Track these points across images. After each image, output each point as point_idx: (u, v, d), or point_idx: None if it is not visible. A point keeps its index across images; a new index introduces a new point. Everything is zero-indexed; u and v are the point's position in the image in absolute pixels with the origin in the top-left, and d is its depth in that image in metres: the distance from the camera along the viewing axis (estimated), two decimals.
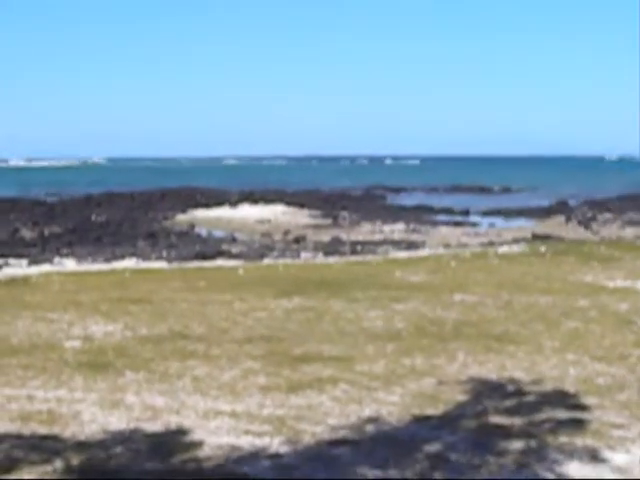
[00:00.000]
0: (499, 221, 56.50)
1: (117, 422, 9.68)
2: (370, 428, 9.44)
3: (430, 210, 63.50)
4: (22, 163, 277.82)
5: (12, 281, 22.53)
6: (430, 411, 10.06)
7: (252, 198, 67.60)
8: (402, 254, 30.77)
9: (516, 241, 36.35)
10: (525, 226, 51.83)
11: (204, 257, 31.55)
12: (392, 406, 10.27)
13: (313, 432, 9.28)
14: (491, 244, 36.15)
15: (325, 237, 44.33)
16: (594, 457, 8.51)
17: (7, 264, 29.82)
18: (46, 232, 44.96)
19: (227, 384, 11.33)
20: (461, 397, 10.65)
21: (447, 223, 54.07)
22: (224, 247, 37.72)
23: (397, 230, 49.12)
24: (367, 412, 10.04)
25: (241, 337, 14.40)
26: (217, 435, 9.20)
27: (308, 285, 20.81)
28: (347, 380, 11.49)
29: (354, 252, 34.93)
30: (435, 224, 53.11)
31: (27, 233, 45.47)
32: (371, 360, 12.65)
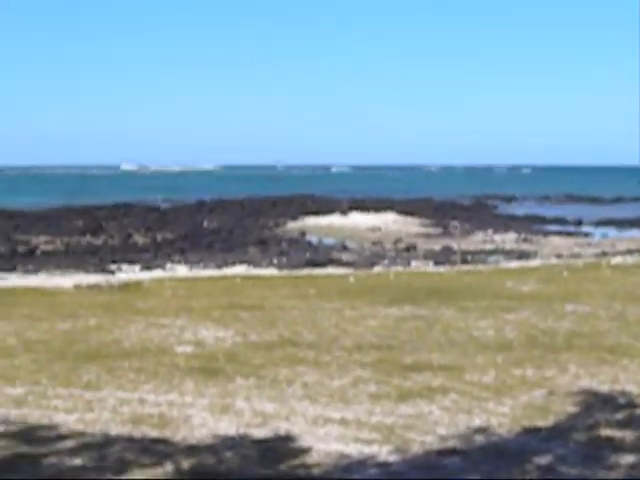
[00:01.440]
0: (612, 231, 55.61)
1: (227, 427, 9.75)
2: (479, 438, 9.35)
3: (542, 220, 62.79)
4: (134, 168, 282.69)
5: (125, 286, 22.92)
6: (540, 423, 9.91)
7: (363, 206, 67.63)
8: (513, 264, 30.45)
9: (630, 252, 35.68)
10: (639, 237, 50.87)
11: (314, 264, 31.66)
12: (502, 417, 10.15)
13: (422, 441, 9.23)
14: (604, 255, 35.56)
15: (436, 246, 44.14)
16: None
17: (120, 269, 30.34)
18: (158, 238, 45.66)
19: (337, 391, 11.34)
20: (572, 409, 10.48)
21: (559, 233, 53.41)
22: (334, 255, 37.81)
23: (508, 240, 48.67)
24: (477, 422, 9.95)
25: (351, 345, 14.41)
26: (326, 442, 9.20)
27: (419, 293, 20.72)
28: (457, 390, 11.41)
29: (465, 261, 34.71)
30: (547, 234, 52.49)
31: (140, 239, 46.24)
32: (481, 370, 12.54)
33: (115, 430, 9.69)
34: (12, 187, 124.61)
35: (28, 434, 9.56)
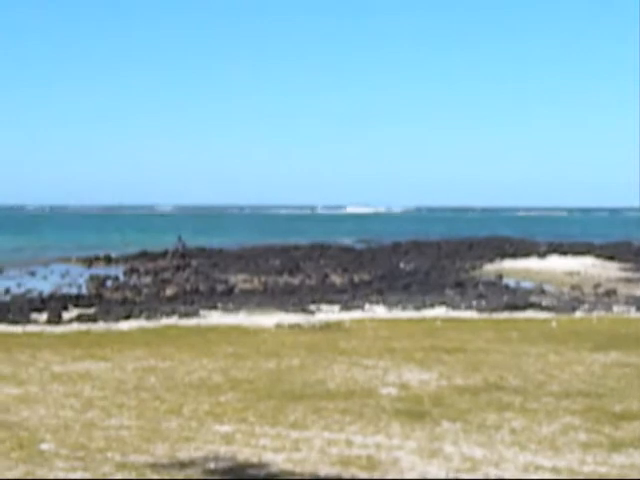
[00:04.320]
0: None
1: (436, 471, 9.62)
2: None
3: None
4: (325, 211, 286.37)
5: (327, 326, 23.08)
6: None
7: (560, 249, 66.38)
8: None
9: None
10: None
11: (514, 308, 31.14)
12: None
13: None
14: None
15: (638, 291, 42.83)
16: None
17: (319, 309, 30.55)
18: (355, 279, 45.83)
19: (546, 438, 11.05)
20: None
21: None
22: (533, 298, 37.11)
23: None
24: None
25: (558, 391, 14.05)
26: None
27: (624, 340, 20.11)
28: None
29: None
30: None
31: (337, 279, 46.51)
32: None
33: (324, 471, 9.69)
34: (210, 227, 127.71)
35: (238, 472, 9.66)
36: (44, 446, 10.60)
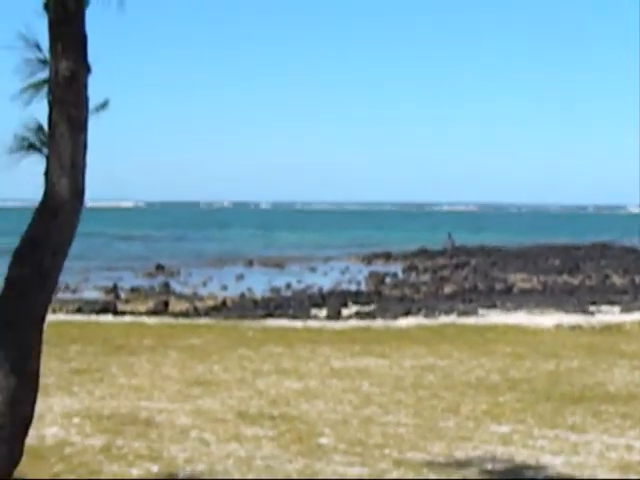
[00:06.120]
0: None
1: None
2: None
3: None
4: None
5: (606, 328, 22.49)
6: None
7: None
8: None
9: None
10: None
11: None
12: None
13: None
14: None
15: None
16: None
17: (599, 311, 29.82)
18: (637, 280, 44.41)
19: None
20: None
21: None
22: None
23: None
24: None
25: None
26: None
27: None
28: None
29: None
30: None
31: (617, 280, 45.25)
32: None
33: (602, 476, 9.50)
34: (485, 225, 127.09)
35: (516, 473, 9.61)
36: (323, 440, 10.87)
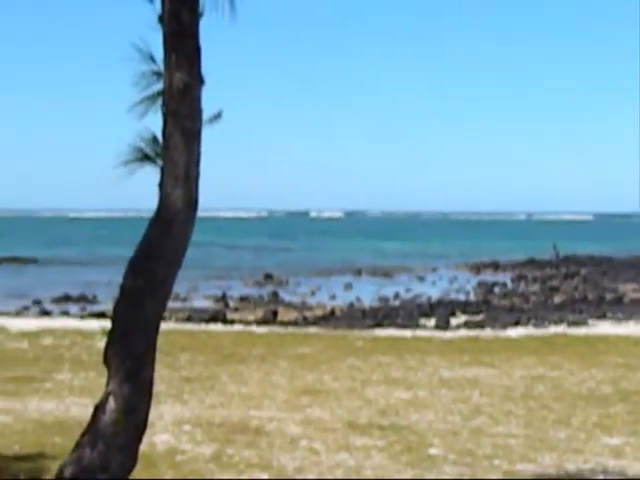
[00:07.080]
0: None
1: None
2: None
3: None
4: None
5: None
6: None
7: None
8: None
9: None
10: None
11: None
12: None
13: None
14: None
15: None
16: None
17: None
18: None
19: None
20: None
21: None
22: None
23: None
24: None
25: None
26: None
27: None
28: None
29: None
30: None
31: None
32: None
33: None
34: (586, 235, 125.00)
35: None
36: (433, 451, 10.84)
